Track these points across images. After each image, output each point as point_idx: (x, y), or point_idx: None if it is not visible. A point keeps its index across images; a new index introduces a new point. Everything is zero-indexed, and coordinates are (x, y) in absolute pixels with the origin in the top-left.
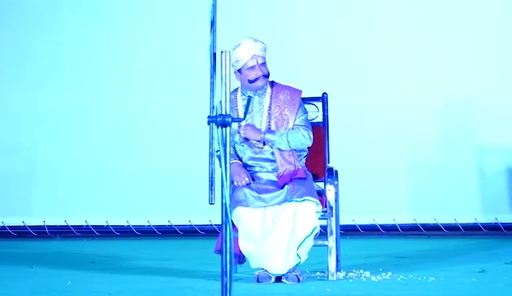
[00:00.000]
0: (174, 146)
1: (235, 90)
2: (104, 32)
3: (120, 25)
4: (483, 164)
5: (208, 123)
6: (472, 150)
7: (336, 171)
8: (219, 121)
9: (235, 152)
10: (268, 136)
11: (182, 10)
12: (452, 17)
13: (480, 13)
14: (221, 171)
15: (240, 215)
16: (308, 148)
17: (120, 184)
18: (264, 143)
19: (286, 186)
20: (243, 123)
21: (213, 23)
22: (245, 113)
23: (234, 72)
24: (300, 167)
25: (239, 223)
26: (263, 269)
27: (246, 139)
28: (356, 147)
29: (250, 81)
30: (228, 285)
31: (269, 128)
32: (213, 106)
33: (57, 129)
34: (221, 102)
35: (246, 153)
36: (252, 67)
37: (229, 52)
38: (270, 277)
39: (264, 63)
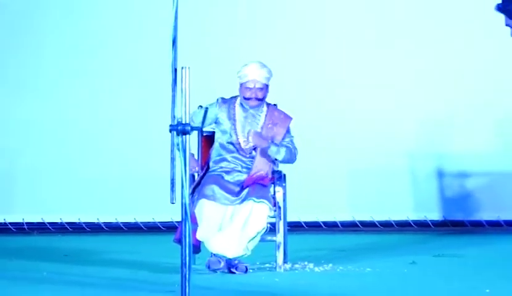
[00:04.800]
0: (140, 151)
1: (237, 97)
2: (80, 46)
3: (96, 39)
4: (415, 168)
5: (170, 131)
6: (405, 155)
7: (284, 175)
8: (180, 129)
9: None
10: (273, 146)
11: (148, 28)
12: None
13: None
14: (181, 173)
15: (204, 207)
16: None
17: (91, 185)
18: (255, 150)
19: (248, 188)
20: (252, 130)
21: (174, 41)
22: (203, 122)
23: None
24: (269, 176)
25: (202, 213)
26: (213, 255)
27: (231, 143)
28: (302, 153)
29: (244, 98)
30: (187, 275)
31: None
32: (174, 116)
33: (36, 134)
34: (201, 106)
35: (229, 153)
36: (249, 88)
37: (189, 68)
38: (220, 262)
39: (261, 88)
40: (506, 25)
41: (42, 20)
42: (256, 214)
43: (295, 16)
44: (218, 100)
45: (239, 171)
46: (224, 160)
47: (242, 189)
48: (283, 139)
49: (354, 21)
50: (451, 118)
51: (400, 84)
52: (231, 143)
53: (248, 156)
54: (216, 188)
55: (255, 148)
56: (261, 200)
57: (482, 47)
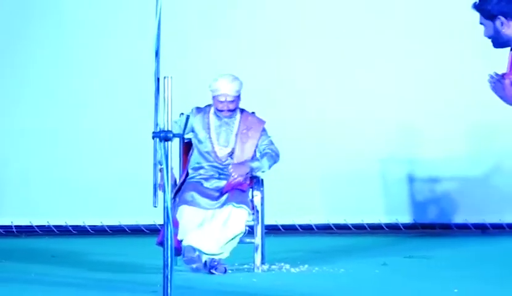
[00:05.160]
0: (124, 157)
1: (211, 105)
2: (67, 56)
3: (83, 49)
4: (387, 173)
5: (153, 138)
6: (377, 161)
7: (262, 180)
8: (162, 136)
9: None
10: (254, 165)
11: (132, 39)
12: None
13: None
14: (164, 179)
15: (184, 212)
16: None
17: (77, 190)
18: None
19: (227, 193)
20: (230, 165)
21: (157, 52)
22: (184, 129)
23: None
24: (247, 182)
25: (182, 218)
26: (192, 251)
27: (208, 152)
28: (280, 159)
29: (217, 109)
30: (169, 276)
31: (234, 149)
32: (157, 124)
33: (24, 142)
34: (182, 113)
35: (204, 162)
36: (221, 101)
37: (171, 77)
38: (194, 251)
39: (232, 101)
40: (480, 24)
41: (28, 30)
42: (235, 218)
43: (270, 27)
44: (192, 110)
45: (217, 178)
46: (202, 167)
47: (222, 194)
48: (261, 142)
49: (325, 29)
50: (421, 124)
51: (372, 91)
52: (207, 152)
53: (224, 164)
54: (195, 194)
55: (231, 156)
56: (241, 205)
57: (452, 55)
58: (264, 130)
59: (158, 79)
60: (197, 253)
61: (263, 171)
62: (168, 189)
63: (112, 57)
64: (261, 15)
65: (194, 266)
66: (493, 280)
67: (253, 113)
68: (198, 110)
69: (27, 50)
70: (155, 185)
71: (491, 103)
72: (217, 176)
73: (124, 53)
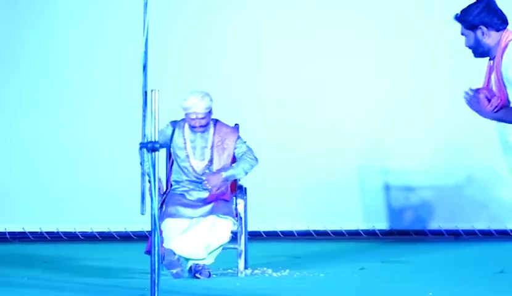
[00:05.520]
0: (112, 167)
1: (185, 119)
2: (56, 69)
3: (75, 62)
4: (364, 182)
5: (140, 148)
6: (355, 170)
7: (245, 188)
8: (149, 146)
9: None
10: (228, 173)
11: (122, 54)
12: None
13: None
14: (151, 188)
15: (168, 225)
16: None
17: (68, 198)
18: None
19: (212, 203)
20: (204, 179)
21: (144, 66)
22: (171, 139)
23: None
24: (229, 191)
25: (166, 229)
26: (172, 254)
27: (186, 167)
28: (262, 168)
29: (190, 125)
30: (156, 280)
31: (212, 159)
32: (145, 135)
33: (17, 151)
34: (170, 123)
35: (183, 176)
36: (192, 118)
37: (158, 90)
38: (175, 254)
39: (203, 117)
40: (462, 34)
41: (18, 41)
42: (220, 227)
43: (251, 42)
44: (168, 125)
45: (199, 190)
46: (182, 181)
47: (204, 205)
48: (237, 151)
49: (302, 44)
50: (397, 136)
51: (350, 104)
52: (185, 167)
53: (202, 177)
54: (179, 207)
55: (208, 168)
56: (226, 216)
57: (427, 69)
58: (238, 137)
59: (146, 92)
60: (177, 256)
61: (239, 178)
62: (155, 197)
63: (102, 70)
64: (243, 32)
65: (174, 271)
66: (466, 283)
67: (235, 126)
68: (173, 123)
69: (18, 61)
70: (142, 193)
71: (463, 116)
72: (198, 189)
73: (115, 66)
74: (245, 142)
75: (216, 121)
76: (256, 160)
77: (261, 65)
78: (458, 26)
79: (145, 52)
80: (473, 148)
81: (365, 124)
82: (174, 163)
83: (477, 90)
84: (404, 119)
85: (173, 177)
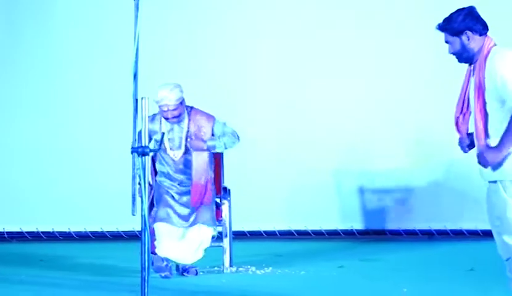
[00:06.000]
0: (105, 170)
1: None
2: (54, 77)
3: (70, 71)
4: (342, 185)
5: (131, 153)
6: (334, 173)
7: (229, 190)
8: (140, 151)
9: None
10: (210, 143)
11: (115, 62)
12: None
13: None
14: (141, 190)
15: (161, 230)
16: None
17: (63, 199)
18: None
19: (195, 213)
20: (188, 140)
21: (135, 75)
22: (159, 146)
23: None
24: (210, 188)
25: (159, 235)
26: (160, 261)
27: (164, 158)
28: (246, 171)
29: (163, 117)
30: (146, 278)
31: (189, 150)
32: (135, 140)
33: (15, 155)
34: (163, 133)
35: (166, 168)
36: (164, 110)
37: (148, 98)
38: (163, 261)
39: (175, 108)
40: (446, 42)
41: (18, 46)
42: (203, 235)
43: (236, 49)
44: (149, 119)
45: (182, 193)
46: (164, 174)
47: (191, 214)
48: (216, 133)
49: (281, 51)
50: (372, 142)
51: (330, 111)
52: (163, 157)
53: (179, 167)
54: (170, 211)
55: (186, 157)
56: (206, 224)
57: (400, 77)
58: (215, 121)
59: (136, 99)
60: (165, 263)
61: (219, 151)
62: (146, 199)
63: (97, 75)
64: (234, 33)
65: (163, 274)
66: (438, 280)
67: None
68: (149, 118)
69: (17, 65)
70: (133, 195)
71: (434, 123)
72: (179, 188)
73: (110, 72)
74: (224, 122)
75: (191, 109)
76: (238, 137)
77: (248, 70)
78: (442, 35)
79: (136, 62)
80: (444, 153)
81: (342, 131)
82: (158, 154)
83: (456, 123)
84: (379, 126)
85: (157, 166)
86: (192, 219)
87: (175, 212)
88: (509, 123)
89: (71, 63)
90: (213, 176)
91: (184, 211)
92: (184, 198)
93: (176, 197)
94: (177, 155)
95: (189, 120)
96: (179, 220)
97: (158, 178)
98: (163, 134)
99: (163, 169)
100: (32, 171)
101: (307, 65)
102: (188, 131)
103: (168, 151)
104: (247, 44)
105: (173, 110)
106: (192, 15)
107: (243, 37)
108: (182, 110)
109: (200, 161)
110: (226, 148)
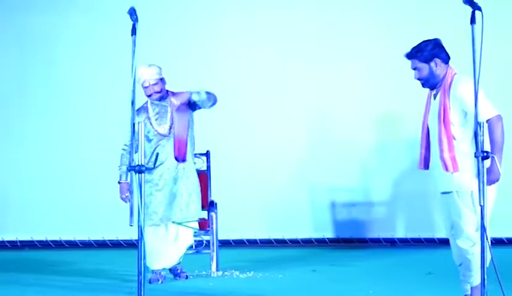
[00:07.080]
0: (107, 185)
1: (147, 100)
2: (59, 101)
3: (74, 94)
4: (315, 199)
5: (129, 171)
6: (308, 188)
7: (216, 203)
8: (137, 169)
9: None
10: (194, 95)
11: (116, 88)
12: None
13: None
14: (137, 204)
15: (149, 237)
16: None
17: (69, 212)
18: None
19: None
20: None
21: (132, 102)
22: (154, 163)
23: None
24: (189, 145)
25: (147, 242)
26: (153, 272)
27: (152, 134)
28: (230, 185)
29: (147, 95)
30: (142, 281)
31: (173, 122)
32: (133, 160)
33: (25, 170)
34: (136, 111)
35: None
36: (146, 87)
37: (144, 123)
38: (158, 280)
39: (156, 83)
40: (414, 69)
41: (27, 71)
42: (183, 233)
43: (226, 61)
44: (137, 113)
45: (166, 185)
46: (152, 154)
47: (171, 203)
48: (191, 94)
49: (260, 59)
50: (341, 161)
51: (303, 129)
52: (150, 134)
53: (168, 136)
54: (159, 210)
55: (170, 131)
56: (187, 223)
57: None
58: (191, 92)
59: (134, 124)
60: (161, 280)
61: (202, 98)
62: (142, 212)
63: (101, 95)
64: (219, 54)
65: (159, 282)
66: (400, 283)
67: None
68: (137, 110)
69: (25, 91)
70: (131, 208)
71: (384, 140)
72: (159, 188)
73: (111, 90)
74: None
75: (173, 93)
76: (213, 94)
77: (240, 79)
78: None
79: (133, 91)
80: (402, 168)
81: (312, 148)
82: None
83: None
84: (349, 146)
85: (146, 151)
86: (172, 214)
87: (160, 206)
88: (491, 135)
89: (74, 85)
90: (194, 135)
91: (165, 201)
92: (166, 189)
93: (160, 192)
94: (163, 128)
95: (172, 98)
96: (160, 216)
97: (146, 160)
98: (158, 153)
99: (149, 149)
100: (42, 187)
101: (285, 81)
102: (171, 107)
103: (155, 126)
104: (233, 55)
105: (154, 84)
106: (192, 17)
107: (226, 50)
108: (163, 86)
109: (182, 119)
110: (207, 96)
